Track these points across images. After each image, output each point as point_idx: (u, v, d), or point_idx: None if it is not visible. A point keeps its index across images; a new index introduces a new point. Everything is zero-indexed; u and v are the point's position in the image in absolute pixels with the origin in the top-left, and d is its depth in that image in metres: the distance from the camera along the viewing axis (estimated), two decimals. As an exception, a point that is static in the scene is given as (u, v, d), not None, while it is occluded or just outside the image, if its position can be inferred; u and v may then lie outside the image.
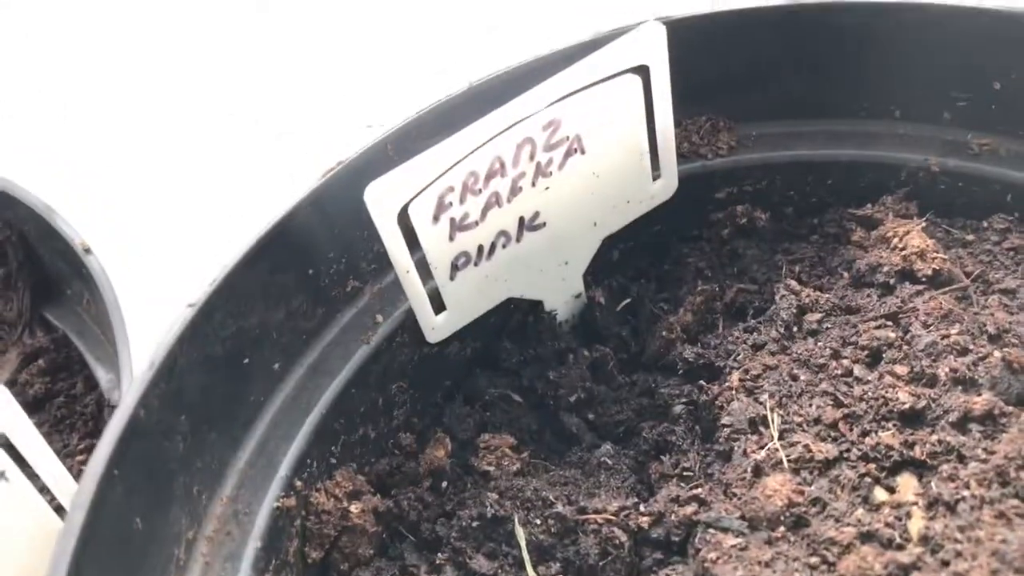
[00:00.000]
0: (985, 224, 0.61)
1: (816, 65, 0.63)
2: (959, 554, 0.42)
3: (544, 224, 0.58)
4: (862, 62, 0.63)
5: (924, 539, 0.44)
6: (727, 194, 0.64)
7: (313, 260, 0.55)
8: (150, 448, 0.44)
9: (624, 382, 0.61)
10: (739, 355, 0.56)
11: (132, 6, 1.48)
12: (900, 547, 0.43)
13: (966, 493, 0.45)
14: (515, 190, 0.55)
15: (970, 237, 0.60)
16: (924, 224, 0.60)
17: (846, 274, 0.59)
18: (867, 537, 0.44)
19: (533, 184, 0.56)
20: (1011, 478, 0.46)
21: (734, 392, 0.54)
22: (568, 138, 0.55)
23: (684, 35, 0.59)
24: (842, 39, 0.61)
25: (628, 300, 0.65)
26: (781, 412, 0.52)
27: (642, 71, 0.55)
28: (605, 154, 0.57)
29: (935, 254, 0.58)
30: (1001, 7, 0.59)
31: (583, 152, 0.56)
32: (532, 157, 0.55)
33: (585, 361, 0.61)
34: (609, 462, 0.57)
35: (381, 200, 0.50)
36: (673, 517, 0.50)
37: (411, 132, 0.59)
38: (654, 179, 0.61)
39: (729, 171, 0.64)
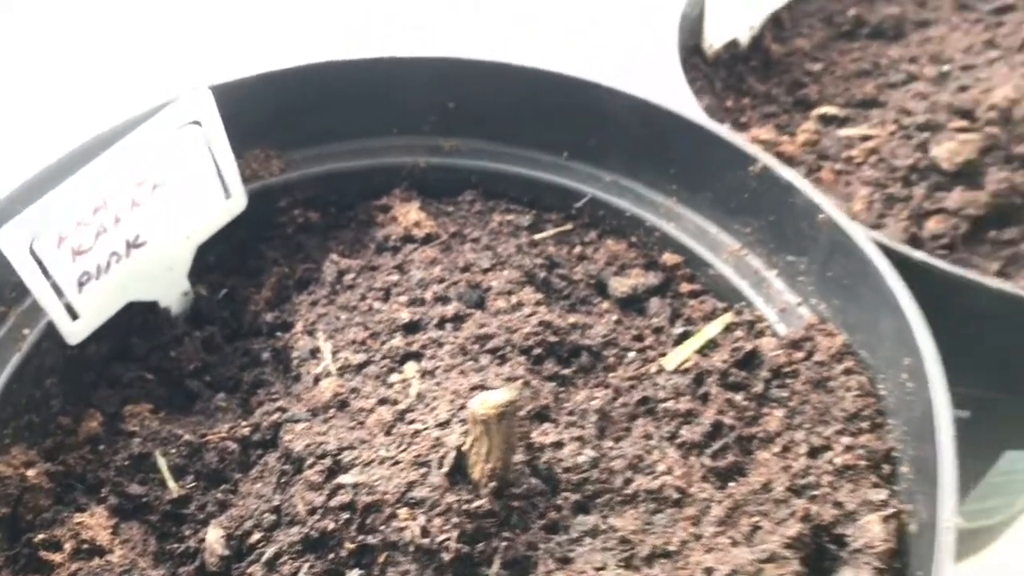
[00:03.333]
0: (460, 199, 0.89)
1: (339, 102, 0.88)
2: (435, 397, 0.69)
3: (146, 242, 0.79)
4: (371, 100, 0.89)
5: (418, 395, 0.70)
6: (287, 203, 0.88)
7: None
8: None
9: (229, 350, 0.83)
10: (302, 311, 0.80)
11: None
12: (399, 402, 0.69)
13: (442, 364, 0.73)
14: (117, 220, 0.75)
15: (450, 208, 0.89)
16: (419, 204, 0.87)
17: (372, 245, 0.85)
18: (383, 401, 0.70)
19: (130, 213, 0.76)
20: (469, 350, 0.74)
21: (299, 335, 0.78)
22: (153, 175, 0.76)
23: (236, 92, 0.82)
24: (345, 85, 0.87)
25: (225, 290, 0.86)
26: (331, 341, 0.77)
27: (199, 123, 0.78)
28: (183, 184, 0.79)
29: (426, 222, 0.85)
30: (446, 56, 0.88)
31: (165, 185, 0.77)
32: (127, 193, 0.75)
33: (197, 340, 0.82)
34: (223, 404, 0.78)
35: (13, 241, 0.68)
36: (264, 424, 0.72)
37: (34, 184, 0.76)
38: (227, 198, 0.84)
39: (283, 186, 0.87)
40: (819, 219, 0.73)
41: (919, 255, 0.74)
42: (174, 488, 0.70)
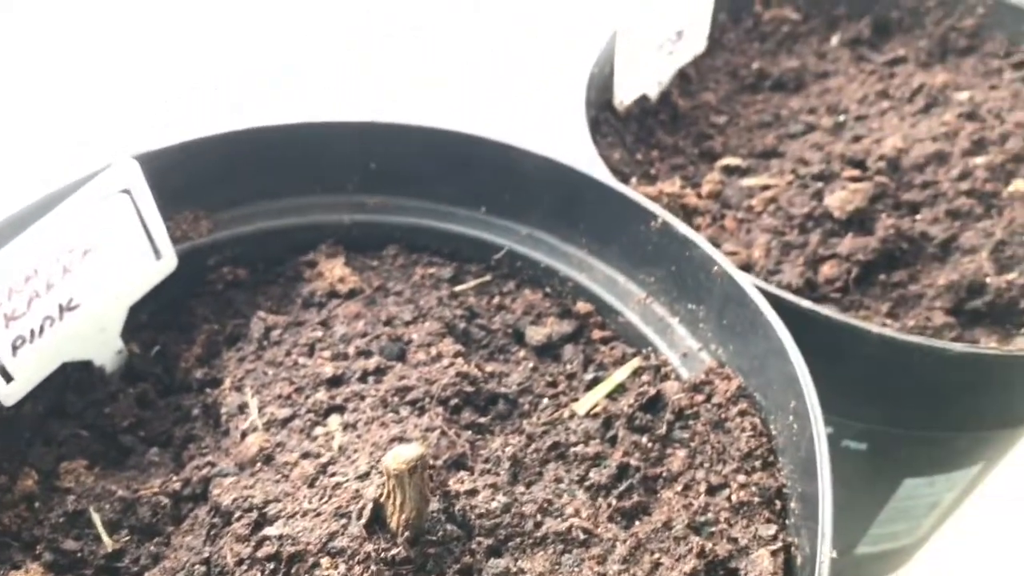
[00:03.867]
0: (384, 253, 0.94)
1: (266, 165, 0.92)
2: (356, 450, 0.73)
3: (79, 305, 0.82)
4: (296, 162, 0.93)
5: (340, 448, 0.74)
6: (216, 261, 0.91)
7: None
8: None
9: (162, 405, 0.86)
10: (230, 367, 0.84)
11: None
12: (322, 455, 0.73)
13: (363, 416, 0.77)
14: (50, 286, 0.78)
15: (375, 263, 0.93)
16: (344, 260, 0.92)
17: (299, 300, 0.89)
18: (306, 455, 0.74)
19: (63, 279, 0.79)
20: (390, 402, 0.78)
21: (228, 391, 0.81)
22: (83, 243, 0.79)
23: (165, 158, 0.86)
24: (271, 149, 0.91)
25: (158, 347, 0.90)
26: (258, 397, 0.80)
27: (128, 191, 0.81)
28: (114, 248, 0.82)
29: (351, 277, 0.90)
30: (366, 120, 0.92)
31: (96, 251, 0.81)
32: (58, 260, 0.78)
33: (131, 396, 0.85)
34: (156, 459, 0.82)
35: (-55, 310, 0.71)
36: (195, 478, 0.76)
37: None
38: (158, 259, 0.87)
39: (212, 245, 0.91)
40: (714, 271, 0.79)
41: (806, 304, 0.79)
42: (108, 543, 0.73)
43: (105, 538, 0.74)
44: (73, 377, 0.85)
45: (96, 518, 0.75)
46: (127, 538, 0.74)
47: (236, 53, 1.52)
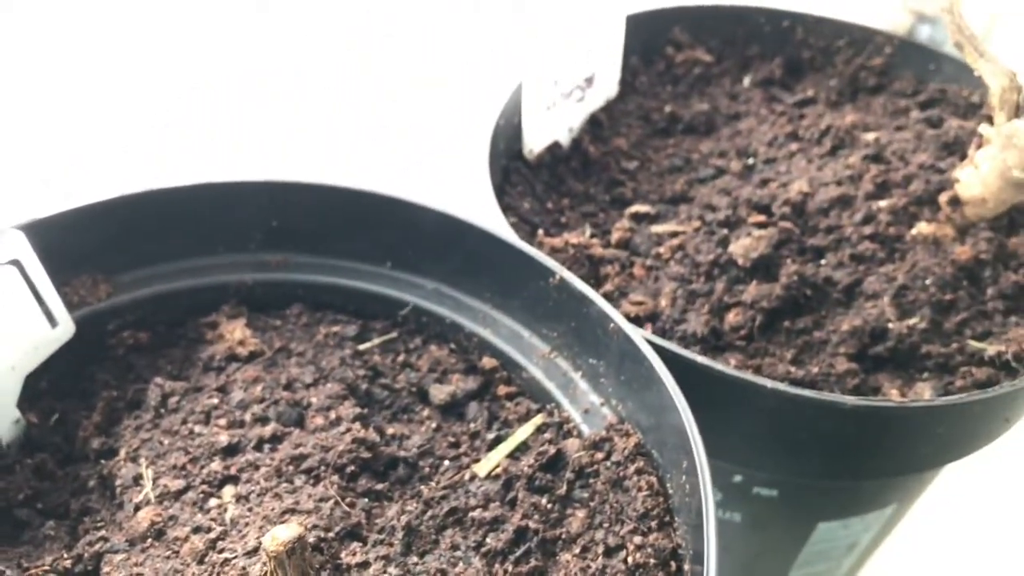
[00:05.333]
0: (287, 311, 0.93)
1: (164, 226, 0.91)
2: (247, 524, 0.72)
3: (-32, 378, 0.81)
4: (196, 222, 0.92)
5: (232, 521, 0.73)
6: (115, 325, 0.90)
7: None
8: None
9: (62, 475, 0.84)
10: (127, 437, 0.82)
11: None
12: (213, 529, 0.72)
13: (257, 488, 0.76)
14: (-67, 361, 0.77)
15: (278, 322, 0.92)
16: (245, 321, 0.91)
17: (200, 364, 0.88)
18: (197, 529, 0.73)
19: (-53, 354, 0.78)
20: (284, 471, 0.77)
21: (123, 462, 0.80)
22: (-32, 317, 0.78)
23: (59, 224, 0.85)
24: (168, 211, 0.90)
25: (57, 415, 0.88)
26: (153, 467, 0.79)
27: (16, 262, 0.80)
28: (3, 321, 0.81)
29: (251, 340, 0.89)
30: (264, 179, 0.91)
31: (-15, 323, 0.79)
32: (-58, 335, 0.77)
33: (29, 467, 0.83)
34: (52, 533, 0.80)
35: None
36: (87, 555, 0.74)
37: None
38: (53, 327, 0.86)
39: (111, 310, 0.89)
40: (610, 328, 0.79)
41: (701, 359, 0.80)
42: (-7, 628, 0.72)
43: (-9, 622, 0.72)
44: (-34, 450, 0.84)
45: (-18, 603, 0.73)
46: (14, 621, 0.72)
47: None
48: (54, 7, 1.63)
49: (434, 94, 1.52)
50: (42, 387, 0.88)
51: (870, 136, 1.10)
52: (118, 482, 0.79)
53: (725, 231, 0.99)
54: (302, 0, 1.69)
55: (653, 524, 0.73)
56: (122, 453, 0.81)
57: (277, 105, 1.50)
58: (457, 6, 1.71)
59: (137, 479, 0.78)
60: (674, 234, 1.01)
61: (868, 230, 0.97)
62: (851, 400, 0.77)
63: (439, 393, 0.87)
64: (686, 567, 0.70)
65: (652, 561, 0.71)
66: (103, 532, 0.76)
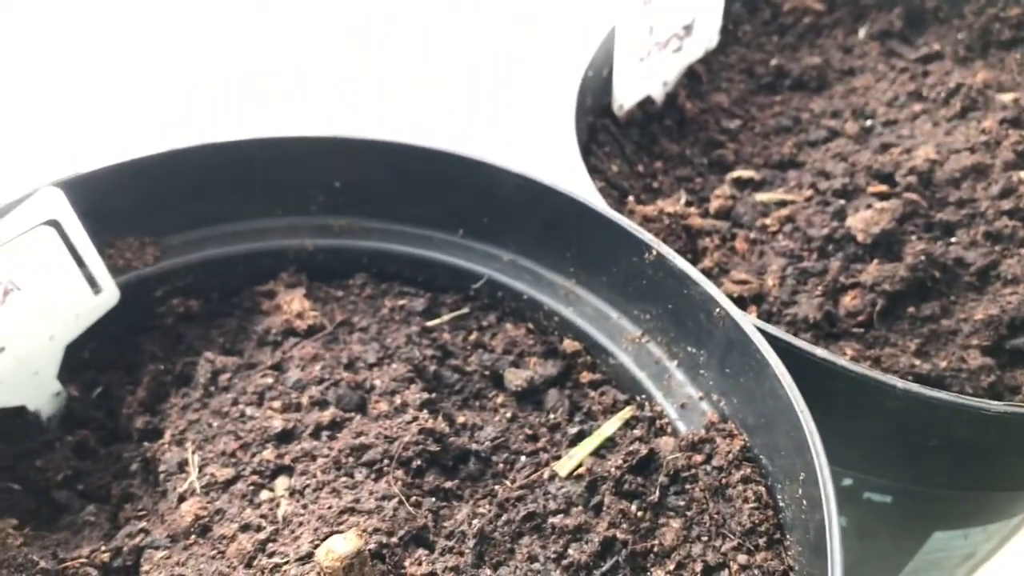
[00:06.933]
0: (350, 282, 0.85)
1: (218, 185, 0.83)
2: (300, 523, 0.64)
3: (4, 348, 0.74)
4: (252, 181, 0.84)
5: (284, 519, 0.65)
6: (164, 292, 0.83)
7: None
8: None
9: (104, 453, 0.78)
10: (173, 417, 0.75)
11: None
12: (263, 528, 0.64)
13: (313, 481, 0.68)
14: (-35, 330, 0.70)
15: (340, 293, 0.84)
16: (305, 291, 0.82)
17: (254, 338, 0.81)
18: (246, 528, 0.65)
19: (-21, 322, 0.71)
20: (343, 463, 0.69)
21: (168, 445, 0.73)
22: (2, 282, 0.71)
23: (102, 181, 0.78)
24: (223, 167, 0.82)
25: (100, 388, 0.81)
26: (200, 453, 0.72)
27: (54, 222, 0.73)
28: (42, 286, 0.73)
29: (310, 312, 0.80)
30: (328, 135, 0.82)
31: (19, 289, 0.72)
32: (-26, 301, 0.70)
33: (69, 445, 0.77)
34: (92, 519, 0.73)
35: None
36: (126, 548, 0.67)
37: None
38: (96, 293, 0.78)
39: (160, 275, 0.82)
40: (715, 313, 0.69)
41: (821, 353, 0.69)
42: (24, 624, 0.65)
43: (22, 619, 0.66)
44: (5, 425, 0.77)
45: (15, 594, 0.67)
46: (46, 618, 0.65)
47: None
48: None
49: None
50: (84, 358, 0.81)
51: (1007, 97, 0.97)
52: (162, 467, 0.72)
53: (841, 202, 0.88)
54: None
55: (761, 542, 0.63)
56: (167, 435, 0.73)
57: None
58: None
59: (182, 465, 0.71)
60: (782, 203, 0.90)
61: (1007, 205, 0.85)
62: (996, 406, 0.66)
63: (515, 378, 0.78)
64: (800, 594, 0.60)
65: (760, 585, 0.61)
66: (144, 523, 0.69)
